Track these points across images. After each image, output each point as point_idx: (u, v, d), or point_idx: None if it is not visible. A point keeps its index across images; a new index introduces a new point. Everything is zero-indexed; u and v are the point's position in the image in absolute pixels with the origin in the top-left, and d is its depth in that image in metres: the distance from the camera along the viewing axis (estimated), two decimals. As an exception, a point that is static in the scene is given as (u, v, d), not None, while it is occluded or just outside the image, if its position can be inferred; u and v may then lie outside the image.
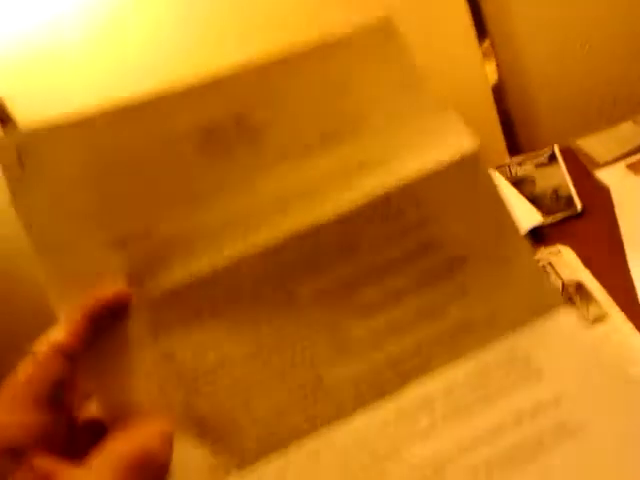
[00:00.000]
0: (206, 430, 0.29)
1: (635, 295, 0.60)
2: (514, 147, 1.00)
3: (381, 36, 0.35)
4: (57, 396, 0.27)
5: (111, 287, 0.30)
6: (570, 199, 0.77)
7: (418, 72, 0.35)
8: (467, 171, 0.33)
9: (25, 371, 0.27)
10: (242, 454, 0.29)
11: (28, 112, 0.92)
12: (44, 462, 0.25)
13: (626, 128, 0.89)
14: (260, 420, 0.29)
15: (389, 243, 0.32)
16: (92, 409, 0.30)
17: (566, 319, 0.31)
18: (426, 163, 0.32)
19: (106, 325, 0.29)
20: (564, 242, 0.70)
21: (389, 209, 0.32)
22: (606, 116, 0.94)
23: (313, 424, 0.29)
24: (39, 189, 0.31)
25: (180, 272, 0.30)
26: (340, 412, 0.30)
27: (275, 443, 0.29)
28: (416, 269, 0.32)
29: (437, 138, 0.33)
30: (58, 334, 0.28)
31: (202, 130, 0.32)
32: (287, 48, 0.34)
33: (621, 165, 0.81)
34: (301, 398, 0.30)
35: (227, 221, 0.31)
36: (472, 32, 0.94)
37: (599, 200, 0.76)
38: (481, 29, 0.94)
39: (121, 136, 0.32)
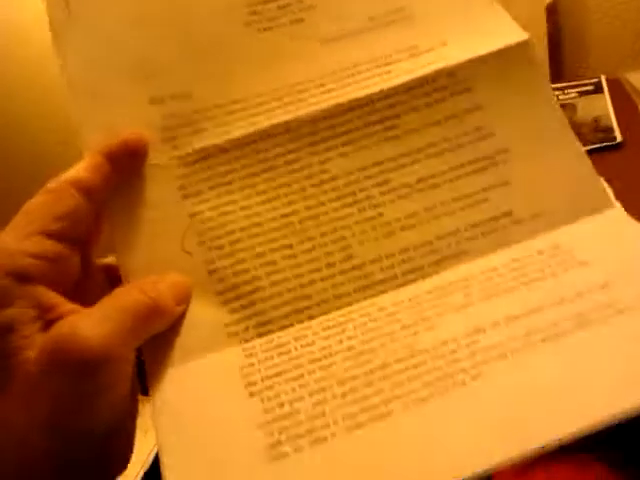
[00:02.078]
0: (227, 292, 0.28)
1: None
2: (558, 74, 0.96)
3: None
4: (73, 228, 0.26)
5: (129, 132, 0.29)
6: (610, 129, 0.74)
7: None
8: (517, 60, 0.31)
9: (37, 202, 0.26)
10: (263, 321, 0.28)
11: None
12: (49, 295, 0.24)
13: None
14: (284, 289, 0.28)
15: (433, 125, 0.31)
16: (110, 259, 0.29)
17: (614, 219, 0.30)
18: (477, 50, 0.31)
19: (126, 169, 0.28)
20: (599, 173, 0.68)
21: (437, 90, 0.31)
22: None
23: (340, 300, 0.28)
24: (82, 34, 0.30)
25: (214, 134, 0.30)
26: (370, 291, 0.28)
27: (299, 314, 0.28)
28: (458, 155, 0.30)
29: (488, 28, 0.32)
30: (75, 170, 0.27)
31: (249, 4, 0.32)
32: None
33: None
34: (329, 272, 0.29)
35: (266, 93, 0.31)
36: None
37: (641, 134, 0.73)
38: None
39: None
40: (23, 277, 0.24)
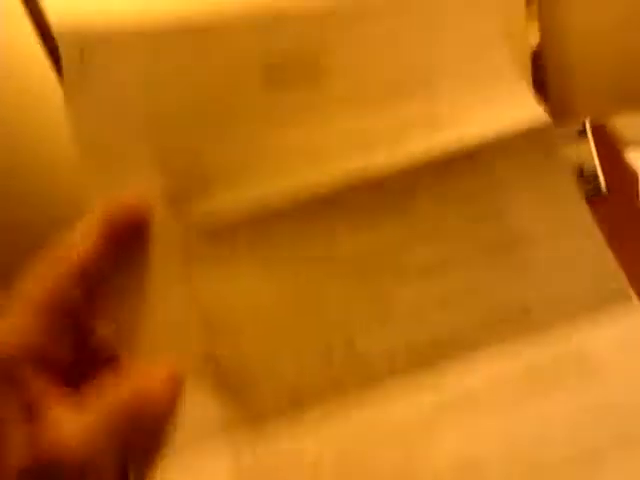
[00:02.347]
0: (223, 380, 0.27)
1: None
2: (544, 118, 0.96)
3: None
4: (61, 316, 0.25)
5: (133, 196, 0.28)
6: (595, 177, 0.74)
7: (502, 33, 0.33)
8: (540, 143, 0.31)
9: (31, 278, 0.25)
10: (258, 410, 0.27)
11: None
12: (36, 381, 0.24)
13: (665, 111, 0.86)
14: (281, 377, 0.27)
15: (448, 205, 0.30)
16: (108, 334, 0.28)
17: (632, 316, 0.29)
18: (497, 128, 0.31)
19: (127, 240, 0.28)
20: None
21: (454, 169, 0.30)
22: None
23: (338, 390, 0.27)
24: (95, 88, 0.30)
25: (221, 200, 0.29)
26: (369, 383, 0.27)
27: (294, 403, 0.27)
28: (473, 238, 0.29)
29: (509, 105, 0.31)
30: (72, 241, 0.26)
31: (266, 62, 0.31)
32: None
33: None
34: (328, 360, 0.28)
35: (278, 157, 0.30)
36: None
37: (625, 182, 0.73)
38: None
39: (186, 53, 0.31)
40: (8, 370, 0.23)
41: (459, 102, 0.31)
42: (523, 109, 0.31)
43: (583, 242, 0.30)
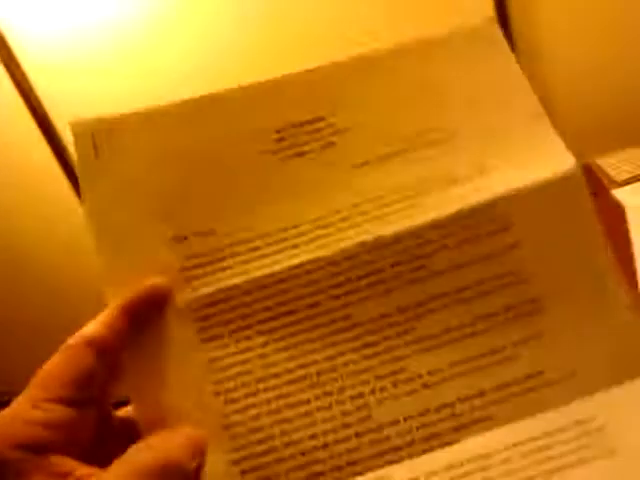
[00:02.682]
0: (240, 451, 0.27)
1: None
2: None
3: (483, 39, 0.32)
4: (86, 392, 0.26)
5: (151, 280, 0.29)
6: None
7: (520, 79, 0.31)
8: (564, 194, 0.28)
9: (52, 364, 0.26)
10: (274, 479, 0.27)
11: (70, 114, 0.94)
12: (63, 462, 0.24)
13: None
14: (298, 451, 0.27)
15: (464, 266, 0.28)
16: (129, 410, 0.29)
17: None
18: (519, 181, 0.28)
19: (145, 320, 0.28)
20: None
21: (472, 227, 0.28)
22: (629, 136, 0.93)
23: (354, 467, 0.27)
24: (109, 177, 0.30)
25: (236, 274, 0.29)
26: (385, 458, 0.27)
27: (309, 474, 0.27)
28: (489, 302, 0.28)
29: (533, 154, 0.29)
30: (93, 327, 0.27)
31: (277, 130, 0.31)
32: (377, 46, 0.32)
33: (638, 185, 0.81)
34: (345, 434, 0.27)
35: (293, 227, 0.30)
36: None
37: (614, 220, 0.76)
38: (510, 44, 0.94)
39: (195, 131, 0.31)
40: (35, 448, 0.24)
41: (476, 151, 0.30)
42: (547, 152, 0.29)
43: (603, 308, 0.28)
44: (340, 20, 0.93)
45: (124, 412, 0.29)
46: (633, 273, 0.66)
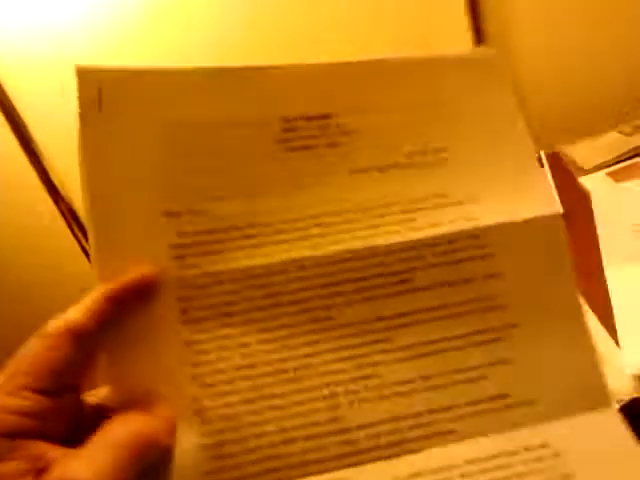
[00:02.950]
0: (210, 436, 0.27)
1: (609, 302, 0.61)
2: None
3: (490, 69, 0.33)
4: (63, 381, 0.26)
5: (138, 269, 0.28)
6: (552, 203, 0.78)
7: (517, 117, 0.33)
8: (546, 233, 0.31)
9: (30, 350, 0.26)
10: (238, 470, 0.27)
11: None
12: (36, 446, 0.24)
13: (612, 137, 0.90)
14: (266, 444, 0.27)
15: (446, 286, 0.30)
16: (102, 394, 0.29)
17: (611, 423, 0.29)
18: (504, 216, 0.30)
19: (129, 309, 0.28)
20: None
21: (457, 251, 0.30)
22: (597, 125, 0.95)
23: (319, 465, 0.27)
24: (109, 135, 0.29)
25: (226, 259, 0.29)
26: (350, 459, 0.27)
27: (275, 474, 0.27)
28: (466, 322, 0.29)
29: (521, 195, 0.31)
30: (74, 314, 0.27)
31: (286, 122, 0.31)
32: (392, 56, 0.32)
33: (602, 172, 0.83)
34: (314, 432, 0.27)
35: (289, 220, 0.30)
36: (469, 35, 0.94)
37: (580, 206, 0.77)
38: (479, 37, 0.94)
39: (205, 102, 0.30)
40: (10, 434, 0.24)
41: (470, 178, 0.31)
42: (533, 197, 0.31)
43: (569, 342, 0.29)
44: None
45: (93, 396, 0.29)
46: (597, 256, 0.68)
